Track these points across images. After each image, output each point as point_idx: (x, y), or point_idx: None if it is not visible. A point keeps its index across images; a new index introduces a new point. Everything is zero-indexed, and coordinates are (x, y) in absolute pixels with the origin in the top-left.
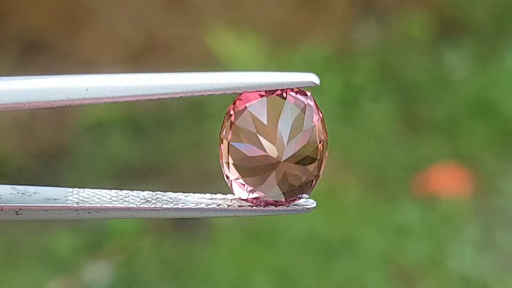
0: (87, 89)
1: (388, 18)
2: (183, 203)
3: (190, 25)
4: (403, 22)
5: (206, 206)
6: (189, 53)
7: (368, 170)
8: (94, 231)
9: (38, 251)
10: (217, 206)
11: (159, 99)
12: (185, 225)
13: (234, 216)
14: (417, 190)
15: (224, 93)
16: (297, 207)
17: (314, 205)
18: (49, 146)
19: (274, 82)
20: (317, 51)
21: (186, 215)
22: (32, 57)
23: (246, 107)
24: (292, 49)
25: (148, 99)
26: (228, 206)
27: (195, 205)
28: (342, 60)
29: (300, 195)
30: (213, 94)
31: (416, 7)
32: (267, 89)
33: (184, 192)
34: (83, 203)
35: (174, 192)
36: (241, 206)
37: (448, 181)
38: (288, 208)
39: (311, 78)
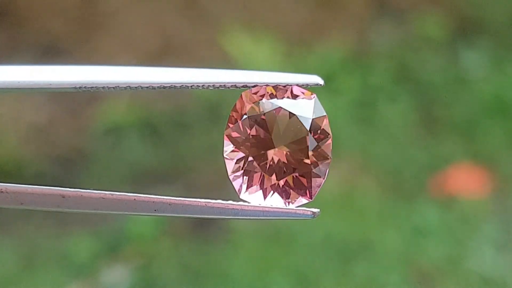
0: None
1: (405, 19)
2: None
3: (207, 28)
4: (420, 23)
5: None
6: (206, 55)
7: (386, 171)
8: (113, 235)
9: (57, 255)
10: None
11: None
12: (203, 228)
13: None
14: (435, 190)
15: (235, 86)
16: (301, 210)
17: (318, 210)
18: (67, 150)
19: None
20: (334, 53)
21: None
22: (50, 61)
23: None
24: (308, 50)
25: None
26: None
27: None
28: (358, 61)
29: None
30: (224, 87)
31: (433, 7)
32: (275, 85)
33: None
34: None
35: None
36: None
37: (466, 181)
38: (292, 210)
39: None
